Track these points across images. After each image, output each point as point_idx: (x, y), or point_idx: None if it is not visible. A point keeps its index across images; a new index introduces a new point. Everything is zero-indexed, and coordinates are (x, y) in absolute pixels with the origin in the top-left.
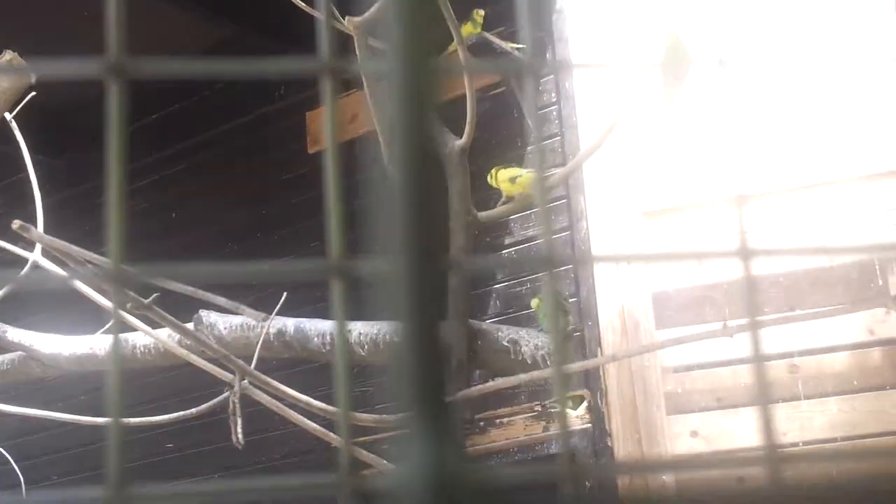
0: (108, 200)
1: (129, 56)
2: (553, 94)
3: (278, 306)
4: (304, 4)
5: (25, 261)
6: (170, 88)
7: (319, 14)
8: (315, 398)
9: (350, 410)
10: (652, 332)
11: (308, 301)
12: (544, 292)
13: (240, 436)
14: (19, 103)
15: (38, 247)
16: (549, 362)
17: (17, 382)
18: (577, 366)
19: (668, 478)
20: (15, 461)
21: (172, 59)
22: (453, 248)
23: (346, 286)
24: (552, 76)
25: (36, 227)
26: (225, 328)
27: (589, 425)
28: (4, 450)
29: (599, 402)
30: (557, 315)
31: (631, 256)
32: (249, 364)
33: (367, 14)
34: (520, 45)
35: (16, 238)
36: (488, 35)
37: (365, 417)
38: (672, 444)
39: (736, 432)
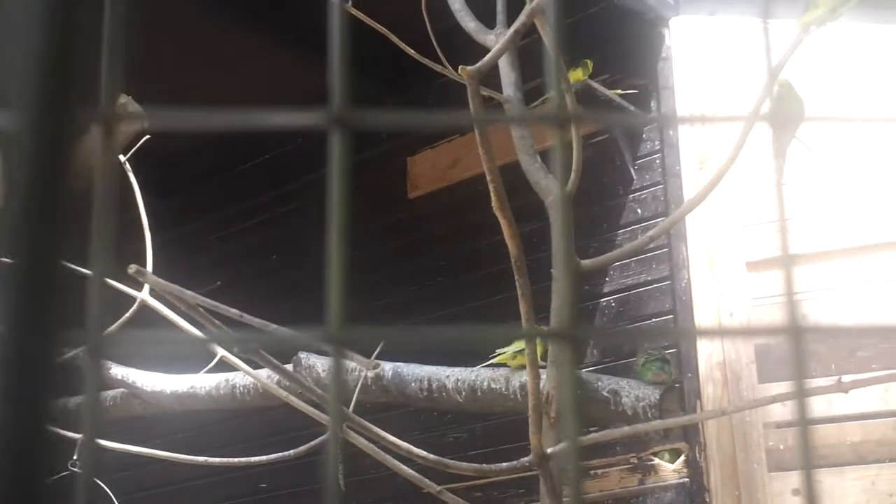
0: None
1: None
2: (657, 143)
3: (377, 351)
4: (415, 53)
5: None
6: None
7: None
8: (408, 442)
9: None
10: (754, 386)
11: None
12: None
13: (341, 479)
14: (133, 147)
15: (147, 287)
16: (650, 414)
17: (118, 419)
18: (681, 420)
19: None
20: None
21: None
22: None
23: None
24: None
25: (145, 267)
26: (323, 371)
27: (686, 480)
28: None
29: (697, 456)
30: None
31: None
32: (347, 407)
33: (480, 63)
34: (624, 92)
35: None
36: (591, 82)
37: (460, 465)
38: (773, 503)
39: (838, 492)
